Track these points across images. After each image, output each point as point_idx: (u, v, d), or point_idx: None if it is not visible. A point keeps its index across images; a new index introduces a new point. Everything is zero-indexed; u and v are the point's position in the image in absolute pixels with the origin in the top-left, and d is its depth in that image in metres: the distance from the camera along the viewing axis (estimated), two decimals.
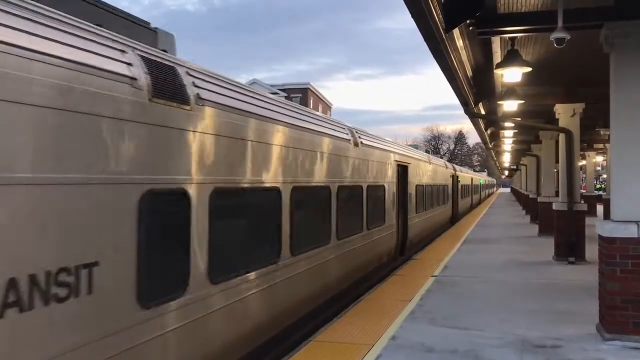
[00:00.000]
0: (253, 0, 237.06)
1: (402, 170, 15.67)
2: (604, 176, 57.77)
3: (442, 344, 7.40)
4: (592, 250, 13.55)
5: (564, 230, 14.58)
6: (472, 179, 46.07)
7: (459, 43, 9.95)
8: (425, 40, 8.23)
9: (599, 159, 42.19)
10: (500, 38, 9.47)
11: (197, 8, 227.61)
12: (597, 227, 7.89)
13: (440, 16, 7.57)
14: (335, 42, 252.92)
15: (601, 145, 31.41)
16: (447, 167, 27.77)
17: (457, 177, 31.90)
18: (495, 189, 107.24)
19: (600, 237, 7.74)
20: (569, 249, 14.36)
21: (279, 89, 60.93)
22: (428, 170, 20.54)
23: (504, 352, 7.02)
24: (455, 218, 30.02)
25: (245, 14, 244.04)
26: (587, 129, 20.07)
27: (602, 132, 22.67)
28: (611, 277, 7.39)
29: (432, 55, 9.34)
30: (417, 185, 17.96)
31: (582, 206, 15.02)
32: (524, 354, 6.98)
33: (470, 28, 8.32)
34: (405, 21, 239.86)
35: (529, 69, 9.76)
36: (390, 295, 10.55)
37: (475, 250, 17.68)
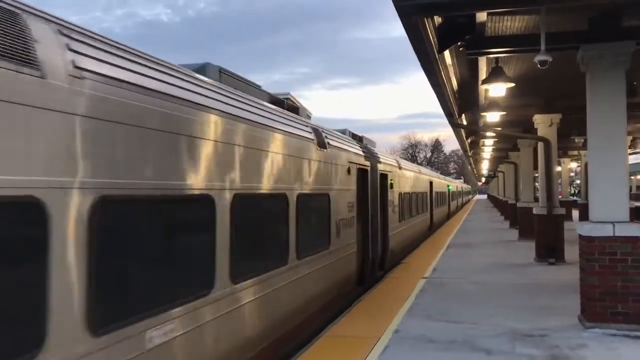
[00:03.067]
0: (226, 11, 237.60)
1: None
2: (578, 182, 59.50)
3: (441, 335, 8.16)
4: (570, 252, 14.57)
5: (545, 233, 15.51)
6: (431, 182, 28.84)
7: (448, 61, 10.80)
8: (419, 59, 9.01)
9: (573, 165, 43.72)
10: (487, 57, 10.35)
11: (170, 18, 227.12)
12: (578, 227, 8.77)
13: (435, 39, 8.39)
14: (311, 52, 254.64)
15: (576, 152, 32.69)
16: (346, 149, 11.61)
17: (387, 177, 15.88)
18: (471, 196, 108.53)
19: (580, 236, 8.60)
20: (550, 250, 15.28)
21: None
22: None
23: (498, 341, 7.81)
24: (380, 265, 14.67)
25: (220, 24, 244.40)
26: (563, 137, 21.10)
27: (576, 140, 23.83)
28: (590, 272, 8.24)
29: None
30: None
31: (561, 210, 16.00)
32: (516, 342, 7.78)
33: (461, 49, 9.17)
34: (380, 31, 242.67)
35: (512, 85, 10.64)
36: (387, 296, 11.31)
37: (459, 254, 18.55)
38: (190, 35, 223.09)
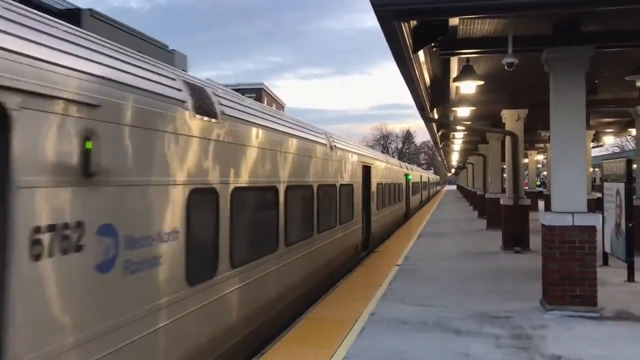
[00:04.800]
0: None
1: None
2: (544, 173, 61.10)
3: (414, 318, 8.76)
4: (535, 241, 15.35)
5: (511, 222, 16.29)
6: (367, 169, 17.34)
7: (422, 59, 11.34)
8: (395, 59, 9.50)
9: (540, 157, 45.02)
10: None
11: (140, 5, 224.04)
12: (540, 217, 9.46)
13: (410, 40, 8.91)
14: (283, 41, 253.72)
15: (542, 145, 33.75)
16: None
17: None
18: (440, 187, 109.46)
19: (542, 225, 9.28)
20: (515, 239, 16.06)
21: (232, 89, 61.46)
22: None
23: (467, 322, 8.44)
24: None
25: (190, 12, 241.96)
26: (530, 131, 21.93)
27: (542, 134, 24.75)
28: (551, 259, 8.93)
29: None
30: None
31: (526, 201, 16.79)
32: (483, 323, 8.42)
33: (434, 49, 9.73)
34: (350, 22, 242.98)
35: (482, 82, 11.24)
36: (361, 282, 11.88)
37: (430, 243, 19.25)
38: (160, 23, 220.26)
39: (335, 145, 13.08)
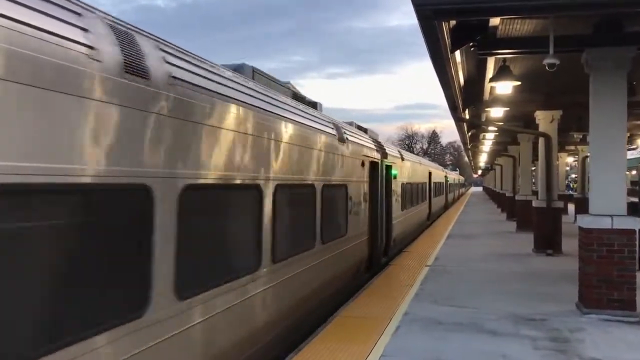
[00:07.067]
0: None
1: None
2: (573, 176, 60.16)
3: (447, 318, 8.74)
4: (567, 244, 15.20)
5: (543, 225, 16.11)
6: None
7: (458, 58, 11.28)
8: (432, 59, 9.44)
9: (570, 159, 44.35)
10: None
11: (167, 4, 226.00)
12: (578, 219, 9.36)
13: (449, 40, 8.87)
14: (307, 41, 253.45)
15: (573, 147, 33.25)
16: None
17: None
18: (464, 189, 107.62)
19: (580, 228, 9.18)
20: (547, 242, 15.89)
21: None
22: None
23: (501, 324, 8.40)
24: None
25: (215, 11, 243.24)
26: (562, 132, 21.64)
27: (575, 135, 24.40)
28: (589, 262, 8.82)
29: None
30: None
31: (559, 203, 16.61)
32: (518, 325, 8.37)
33: (471, 49, 9.68)
34: (375, 21, 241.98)
35: (519, 83, 11.16)
36: (394, 281, 11.91)
37: (459, 244, 19.14)
38: (186, 22, 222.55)
39: None
